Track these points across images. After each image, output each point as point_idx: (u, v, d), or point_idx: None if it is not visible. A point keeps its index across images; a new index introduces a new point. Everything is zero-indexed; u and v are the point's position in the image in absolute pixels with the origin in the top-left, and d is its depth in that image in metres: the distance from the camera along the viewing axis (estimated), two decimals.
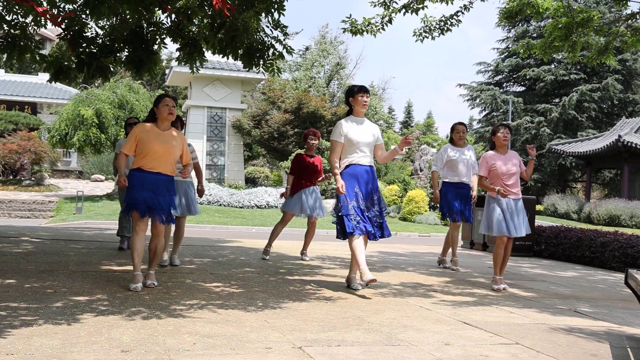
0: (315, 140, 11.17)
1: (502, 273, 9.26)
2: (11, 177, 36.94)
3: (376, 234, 8.02)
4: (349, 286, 8.32)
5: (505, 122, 9.17)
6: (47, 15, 10.41)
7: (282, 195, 11.36)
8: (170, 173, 7.48)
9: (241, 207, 29.80)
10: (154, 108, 7.57)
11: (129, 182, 7.42)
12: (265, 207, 30.08)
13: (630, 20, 13.71)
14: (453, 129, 11.16)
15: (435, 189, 11.11)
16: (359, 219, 7.91)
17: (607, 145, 37.08)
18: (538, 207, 37.86)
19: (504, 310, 7.31)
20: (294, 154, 11.69)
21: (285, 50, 10.69)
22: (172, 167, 7.50)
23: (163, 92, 54.56)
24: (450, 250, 11.44)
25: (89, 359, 4.31)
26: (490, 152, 9.25)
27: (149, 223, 7.51)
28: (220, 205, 29.88)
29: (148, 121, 7.59)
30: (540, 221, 25.48)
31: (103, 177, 41.28)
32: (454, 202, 10.99)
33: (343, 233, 8.06)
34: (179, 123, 9.24)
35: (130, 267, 8.70)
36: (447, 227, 11.32)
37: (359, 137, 8.10)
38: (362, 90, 8.25)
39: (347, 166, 8.12)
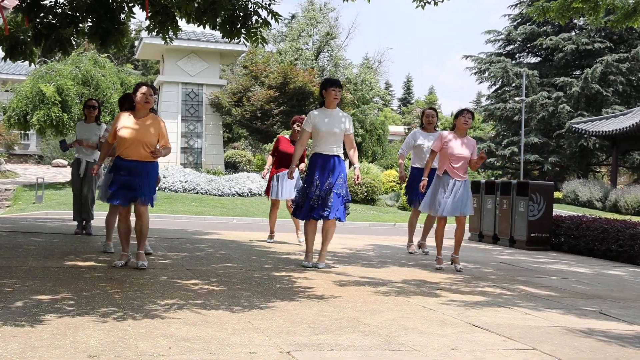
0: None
1: (457, 252, 10.73)
2: None
3: (318, 214, 9.63)
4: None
5: (469, 108, 10.27)
6: None
7: (262, 176, 13.01)
8: (146, 158, 8.64)
9: (220, 195, 29.78)
10: (132, 96, 8.81)
11: (111, 170, 8.99)
12: (247, 195, 30.03)
13: None
14: (423, 113, 12.53)
15: (400, 170, 12.53)
16: (309, 206, 9.61)
17: (636, 123, 37.01)
18: (556, 195, 37.85)
19: (518, 311, 7.35)
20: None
21: (270, 16, 10.67)
22: (147, 153, 8.60)
23: (132, 66, 54.57)
24: (428, 234, 12.70)
25: None
26: (449, 132, 10.54)
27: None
28: (197, 193, 29.84)
29: (128, 110, 8.86)
30: (559, 210, 25.52)
31: (66, 163, 41.16)
32: (419, 188, 11.80)
33: (295, 212, 10.05)
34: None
35: (96, 263, 9.04)
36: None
37: (327, 128, 9.63)
38: (335, 84, 9.80)
39: (312, 155, 9.76)
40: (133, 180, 8.60)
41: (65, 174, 35.77)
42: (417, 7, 12.40)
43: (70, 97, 28.59)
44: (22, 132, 31.72)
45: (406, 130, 61.30)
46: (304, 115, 12.38)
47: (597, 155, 53.24)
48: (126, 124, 8.60)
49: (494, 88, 58.08)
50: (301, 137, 9.85)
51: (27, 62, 11.99)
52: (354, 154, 9.87)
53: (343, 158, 9.82)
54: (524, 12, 53.12)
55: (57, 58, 34.14)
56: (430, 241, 12.71)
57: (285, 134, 12.61)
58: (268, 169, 12.91)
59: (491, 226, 16.05)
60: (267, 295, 7.30)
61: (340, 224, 10.52)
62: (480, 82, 59.10)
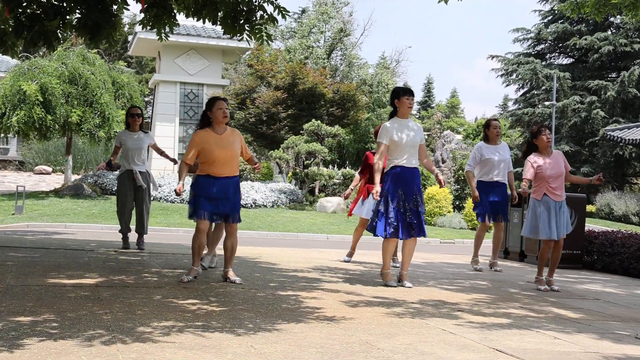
0: None
1: (552, 275, 11.09)
2: None
3: (404, 233, 10.24)
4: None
5: (545, 123, 10.85)
6: None
7: (345, 197, 13.53)
8: (235, 174, 9.63)
9: None
10: (207, 112, 9.55)
11: (196, 188, 9.57)
12: (251, 206, 30.03)
13: None
14: (489, 125, 12.87)
15: (473, 190, 12.63)
16: (394, 222, 10.04)
17: None
18: (589, 208, 37.73)
19: (546, 334, 7.32)
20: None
21: (277, 12, 10.66)
22: (236, 167, 9.64)
23: (125, 63, 54.73)
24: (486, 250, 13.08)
25: None
26: (535, 154, 10.94)
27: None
28: None
29: (203, 126, 9.61)
30: (591, 225, 25.45)
31: (50, 169, 41.27)
32: (487, 203, 12.58)
33: (374, 230, 10.18)
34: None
35: (85, 280, 9.06)
36: (474, 231, 12.25)
37: (404, 139, 10.08)
38: (408, 92, 10.32)
39: (392, 167, 10.15)
40: (225, 201, 9.47)
41: (49, 182, 35.80)
42: (439, 1, 11.94)
43: (55, 96, 28.20)
44: (1, 135, 31.41)
45: (426, 137, 61.20)
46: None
47: (634, 165, 52.83)
48: (212, 141, 9.40)
49: (522, 91, 57.89)
50: (381, 152, 10.15)
51: (7, 57, 11.98)
52: (430, 162, 10.59)
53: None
54: (555, 8, 52.83)
55: (41, 53, 33.99)
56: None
57: (371, 150, 12.86)
58: (353, 189, 13.18)
59: (517, 242, 15.88)
60: (272, 317, 7.29)
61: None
62: (507, 85, 58.94)
